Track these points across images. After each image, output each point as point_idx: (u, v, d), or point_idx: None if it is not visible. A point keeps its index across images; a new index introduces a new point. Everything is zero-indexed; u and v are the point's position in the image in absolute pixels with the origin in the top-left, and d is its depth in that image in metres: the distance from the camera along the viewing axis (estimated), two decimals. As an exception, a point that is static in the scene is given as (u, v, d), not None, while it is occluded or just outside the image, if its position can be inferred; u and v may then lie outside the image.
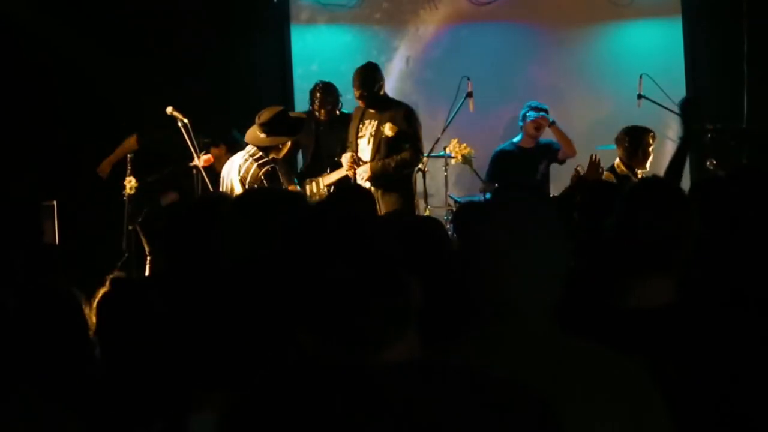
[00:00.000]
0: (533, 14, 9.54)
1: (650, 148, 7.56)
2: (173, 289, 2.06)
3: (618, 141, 7.64)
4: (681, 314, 2.39)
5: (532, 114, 8.36)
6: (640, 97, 8.42)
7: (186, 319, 1.95)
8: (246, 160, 6.55)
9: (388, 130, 7.23)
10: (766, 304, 2.82)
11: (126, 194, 7.28)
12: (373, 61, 9.46)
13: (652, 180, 2.59)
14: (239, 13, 9.00)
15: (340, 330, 1.59)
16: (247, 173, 6.49)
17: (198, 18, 8.74)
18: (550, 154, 8.45)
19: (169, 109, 7.26)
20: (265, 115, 6.59)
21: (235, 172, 6.55)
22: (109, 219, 7.71)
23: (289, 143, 6.70)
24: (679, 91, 9.06)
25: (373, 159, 7.23)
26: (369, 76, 7.22)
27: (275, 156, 6.65)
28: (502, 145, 8.56)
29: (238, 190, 6.43)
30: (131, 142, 7.88)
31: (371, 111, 7.27)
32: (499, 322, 1.96)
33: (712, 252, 3.13)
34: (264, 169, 6.45)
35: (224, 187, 6.64)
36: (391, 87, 9.47)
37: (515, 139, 8.47)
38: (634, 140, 7.57)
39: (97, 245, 7.72)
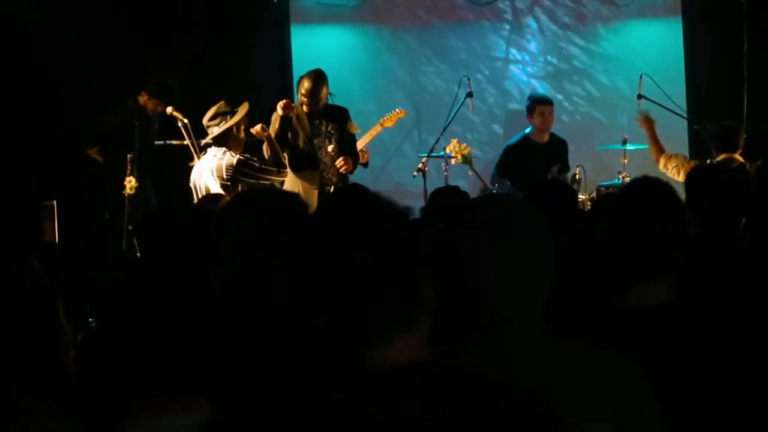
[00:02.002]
0: (533, 14, 9.54)
1: (714, 145, 7.37)
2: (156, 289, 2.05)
3: None
4: (680, 314, 2.39)
5: (540, 108, 8.29)
6: (640, 97, 8.42)
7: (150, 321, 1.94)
8: (215, 156, 6.62)
9: (353, 129, 7.32)
10: (764, 304, 2.82)
11: (126, 194, 7.28)
12: (372, 60, 9.48)
13: (642, 180, 2.58)
14: (239, 13, 9.00)
15: (350, 313, 1.58)
16: (221, 167, 6.54)
17: (198, 18, 8.74)
18: (563, 154, 8.38)
19: (169, 109, 7.27)
20: (209, 113, 6.70)
21: (208, 175, 6.59)
22: (109, 219, 7.71)
23: (243, 132, 6.74)
24: (679, 91, 9.07)
25: (339, 156, 7.26)
26: (318, 84, 7.25)
27: (237, 150, 6.70)
28: (513, 138, 8.52)
29: (215, 189, 6.49)
30: (90, 153, 7.99)
31: (312, 113, 7.29)
32: (484, 326, 1.95)
33: (710, 251, 3.14)
34: (236, 158, 6.51)
35: (198, 194, 6.66)
36: (390, 87, 9.48)
37: (526, 131, 8.42)
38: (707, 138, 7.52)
39: (97, 245, 7.72)
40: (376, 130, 8.13)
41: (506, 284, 1.93)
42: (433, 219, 3.82)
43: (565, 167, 8.40)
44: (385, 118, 8.13)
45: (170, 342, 1.93)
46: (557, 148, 8.40)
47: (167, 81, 7.85)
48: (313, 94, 7.19)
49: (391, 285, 1.58)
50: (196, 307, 1.97)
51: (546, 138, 8.35)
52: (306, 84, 7.22)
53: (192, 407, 1.93)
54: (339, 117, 7.37)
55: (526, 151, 8.29)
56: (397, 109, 8.24)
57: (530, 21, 9.55)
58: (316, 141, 7.27)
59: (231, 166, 6.52)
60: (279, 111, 7.02)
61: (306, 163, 7.25)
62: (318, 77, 7.26)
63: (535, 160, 8.19)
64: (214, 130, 6.68)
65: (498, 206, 2.03)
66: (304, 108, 7.25)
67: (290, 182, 7.14)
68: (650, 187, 2.52)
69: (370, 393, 1.57)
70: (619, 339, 2.23)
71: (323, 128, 7.29)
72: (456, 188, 5.27)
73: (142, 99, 7.88)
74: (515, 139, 8.46)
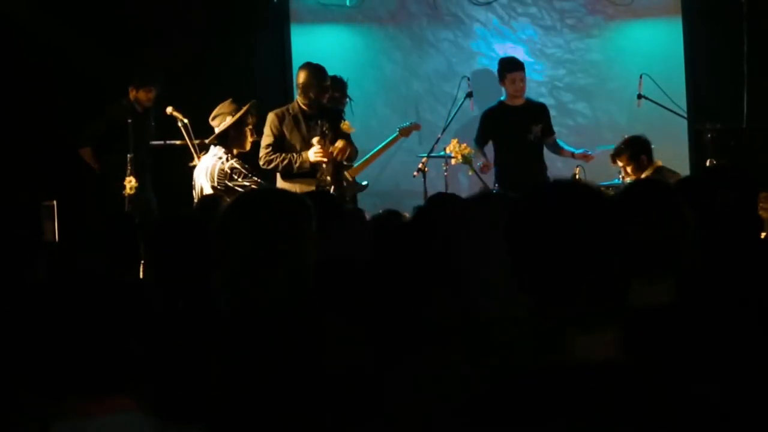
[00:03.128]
0: (533, 14, 9.53)
1: (645, 156, 7.43)
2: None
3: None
4: (681, 314, 2.38)
5: (510, 75, 8.25)
6: (640, 97, 8.43)
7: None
8: (214, 155, 6.66)
9: (346, 127, 7.32)
10: (765, 304, 2.82)
11: (126, 194, 7.29)
12: (372, 60, 9.48)
13: (642, 182, 2.59)
14: (239, 13, 9.00)
15: (564, 299, 1.60)
16: (213, 171, 6.58)
17: (198, 18, 8.74)
18: (544, 117, 8.39)
19: (169, 109, 7.28)
20: (213, 112, 6.76)
21: (203, 175, 6.64)
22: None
23: (249, 133, 6.75)
24: (680, 91, 9.06)
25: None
26: (326, 76, 7.30)
27: (240, 150, 6.72)
28: (488, 106, 8.50)
29: (208, 190, 6.53)
30: (84, 153, 8.03)
31: (309, 114, 7.28)
32: (476, 326, 1.93)
33: (710, 251, 3.14)
34: (229, 164, 6.53)
35: (196, 191, 6.70)
36: (391, 87, 9.48)
37: (501, 98, 8.43)
38: None
39: (96, 245, 7.70)
40: (395, 140, 8.32)
41: (497, 285, 1.91)
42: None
43: (549, 130, 8.40)
44: (403, 128, 8.40)
45: (98, 343, 1.93)
46: (536, 111, 8.38)
47: (149, 69, 7.95)
48: (324, 86, 7.22)
49: (605, 278, 1.60)
50: (128, 310, 1.97)
51: (521, 102, 8.34)
52: (319, 75, 7.22)
53: (120, 408, 1.93)
54: (333, 116, 7.36)
55: (503, 114, 8.30)
56: (413, 122, 8.59)
57: (530, 21, 9.54)
58: (313, 141, 7.25)
59: (222, 172, 6.56)
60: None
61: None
62: (322, 69, 7.30)
63: (513, 123, 8.23)
64: (216, 130, 6.72)
65: (489, 206, 2.02)
66: (311, 96, 7.21)
67: (285, 186, 7.10)
68: (651, 188, 2.52)
69: (570, 388, 1.56)
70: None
71: (319, 128, 7.27)
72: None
73: (133, 94, 7.94)
74: (490, 105, 8.47)
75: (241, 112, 6.71)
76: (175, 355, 2.40)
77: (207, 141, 6.77)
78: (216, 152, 6.67)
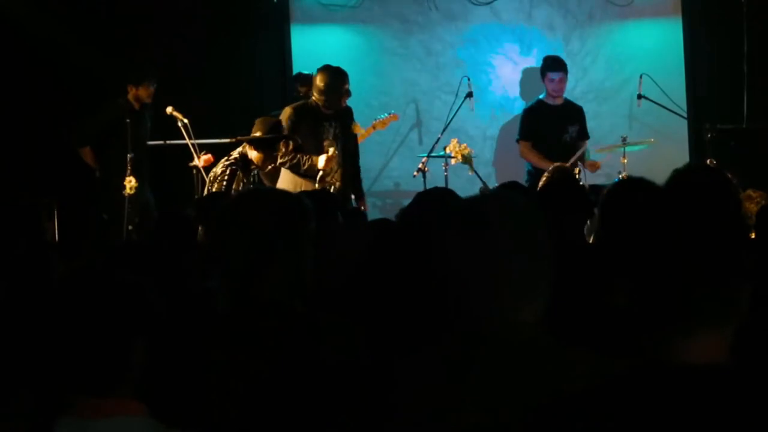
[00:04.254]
0: (533, 14, 9.53)
1: None
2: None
3: None
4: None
5: (550, 75, 8.40)
6: (640, 97, 8.43)
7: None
8: (230, 153, 6.71)
9: (356, 129, 7.35)
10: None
11: (126, 194, 7.29)
12: (372, 60, 9.48)
13: (631, 181, 2.57)
14: (239, 13, 9.00)
15: (670, 298, 1.57)
16: (215, 174, 6.66)
17: (198, 17, 8.75)
18: (580, 118, 8.52)
19: (169, 109, 7.29)
20: (285, 115, 6.80)
21: (210, 172, 6.72)
22: (108, 220, 7.71)
23: (268, 164, 6.79)
24: (679, 91, 9.07)
25: (343, 159, 7.31)
26: (345, 81, 7.33)
27: (255, 167, 6.72)
28: (529, 103, 8.70)
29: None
30: (84, 153, 8.01)
31: (324, 114, 7.29)
32: (471, 327, 1.90)
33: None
34: (222, 171, 6.59)
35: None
36: (390, 87, 9.48)
37: (540, 96, 8.58)
38: None
39: (97, 245, 7.72)
40: (369, 132, 8.28)
41: (497, 285, 1.88)
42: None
43: (584, 134, 8.54)
44: (377, 121, 8.38)
45: (108, 343, 1.93)
46: (573, 112, 8.57)
47: (142, 64, 7.95)
48: (343, 90, 7.24)
49: (718, 280, 1.56)
50: (138, 311, 1.98)
51: (560, 102, 8.51)
52: (339, 80, 7.25)
53: (123, 410, 1.93)
54: (345, 117, 7.35)
55: (542, 113, 8.46)
56: (390, 113, 8.54)
57: (530, 21, 9.54)
58: (326, 144, 7.24)
59: (214, 173, 6.65)
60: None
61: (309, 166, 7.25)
62: (343, 73, 7.33)
63: (551, 122, 8.39)
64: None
65: (490, 205, 2.00)
66: (330, 100, 7.21)
67: (291, 182, 7.11)
68: (640, 188, 2.51)
69: (674, 391, 1.54)
70: (616, 338, 2.22)
71: (332, 130, 7.27)
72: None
73: (132, 92, 7.84)
74: (530, 103, 8.69)
75: (269, 136, 6.74)
76: (174, 356, 2.40)
77: (239, 138, 6.82)
78: (233, 153, 6.73)
